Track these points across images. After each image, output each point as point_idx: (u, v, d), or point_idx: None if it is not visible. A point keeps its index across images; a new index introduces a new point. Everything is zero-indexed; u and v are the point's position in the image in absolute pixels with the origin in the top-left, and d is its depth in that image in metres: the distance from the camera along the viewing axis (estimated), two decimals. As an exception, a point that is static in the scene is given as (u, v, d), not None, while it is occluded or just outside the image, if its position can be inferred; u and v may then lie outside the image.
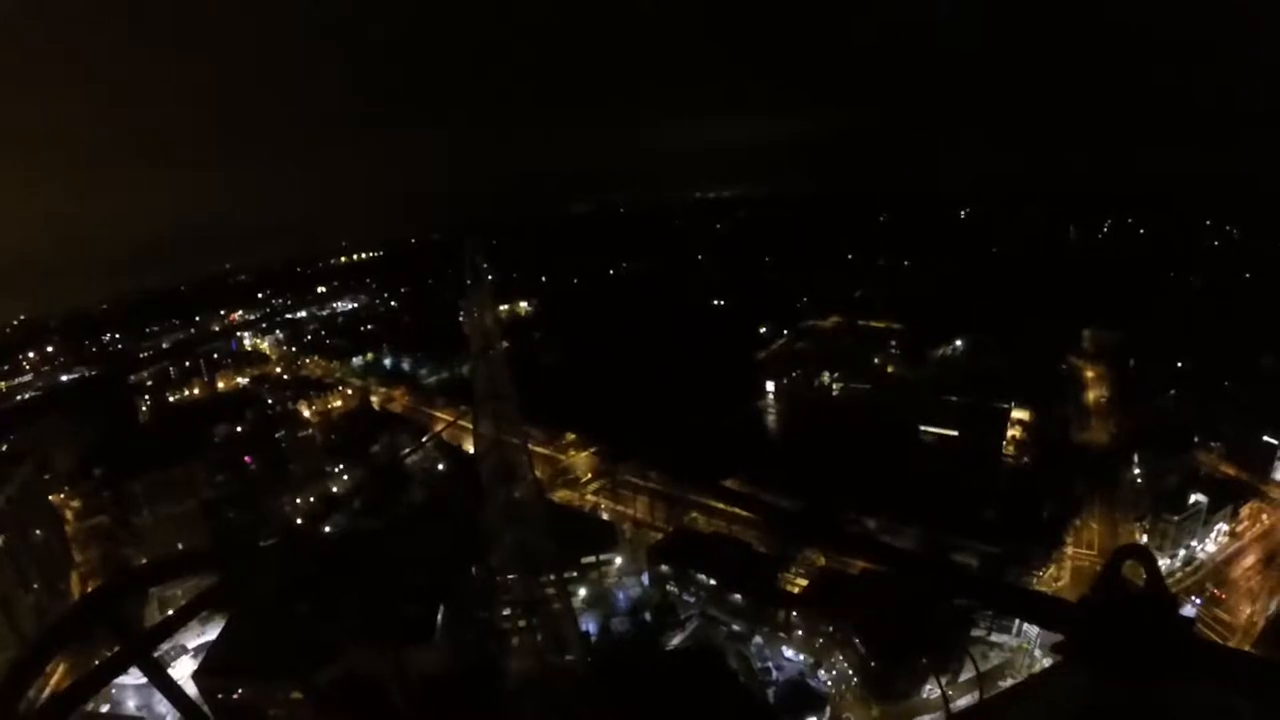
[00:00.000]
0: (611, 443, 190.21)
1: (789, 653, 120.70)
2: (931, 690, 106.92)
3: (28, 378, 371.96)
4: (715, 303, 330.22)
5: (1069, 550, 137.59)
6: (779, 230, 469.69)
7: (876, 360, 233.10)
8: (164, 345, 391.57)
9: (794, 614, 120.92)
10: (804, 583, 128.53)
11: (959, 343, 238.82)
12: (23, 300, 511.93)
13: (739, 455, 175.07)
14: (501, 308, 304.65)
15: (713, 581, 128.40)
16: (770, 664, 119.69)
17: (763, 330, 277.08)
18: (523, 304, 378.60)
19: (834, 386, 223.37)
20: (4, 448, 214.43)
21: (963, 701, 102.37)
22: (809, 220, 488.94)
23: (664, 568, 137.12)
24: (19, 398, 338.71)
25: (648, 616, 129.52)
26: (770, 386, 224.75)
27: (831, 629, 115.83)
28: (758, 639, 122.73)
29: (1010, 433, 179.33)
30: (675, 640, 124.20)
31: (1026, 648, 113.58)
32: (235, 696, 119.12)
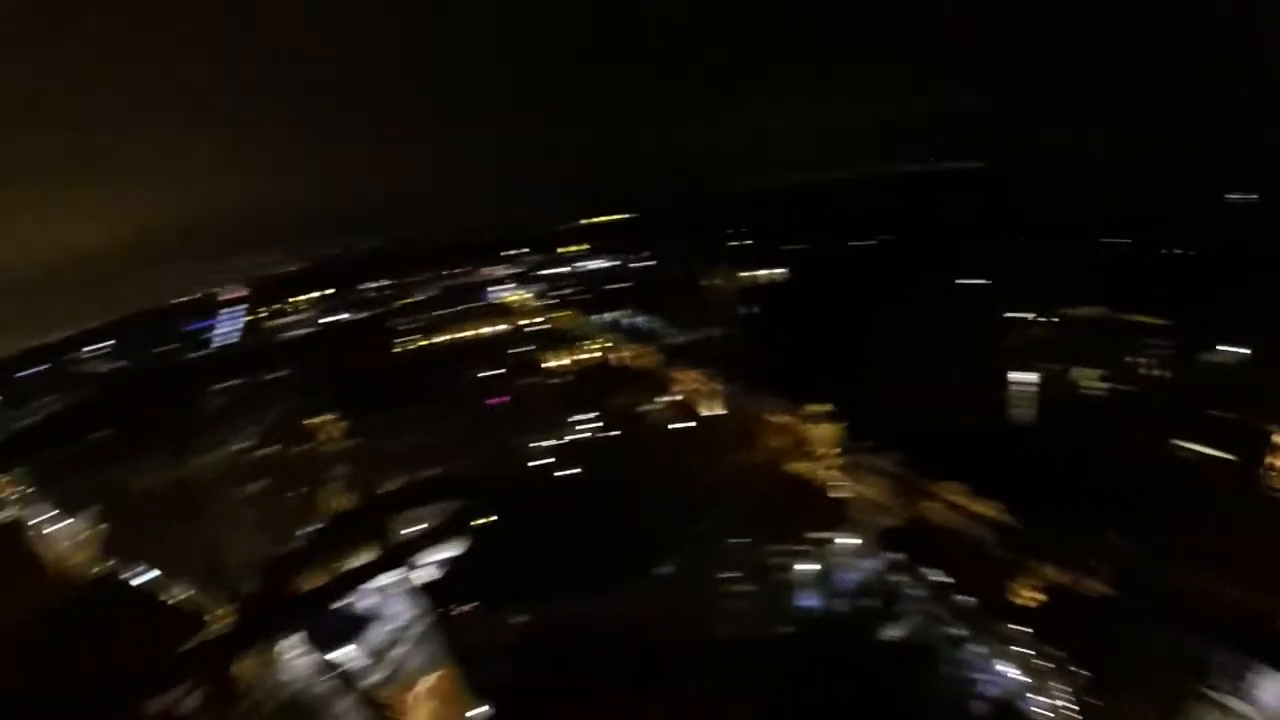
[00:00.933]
0: (853, 419, 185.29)
1: (1005, 668, 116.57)
2: None
3: (298, 316, 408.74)
4: (963, 282, 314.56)
5: None
6: (1032, 204, 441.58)
7: (1134, 359, 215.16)
8: (422, 293, 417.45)
9: (1018, 628, 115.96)
10: (1034, 595, 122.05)
11: (1230, 348, 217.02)
12: (292, 250, 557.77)
13: (982, 448, 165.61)
14: (746, 274, 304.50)
15: (940, 579, 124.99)
16: (983, 676, 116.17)
17: (1016, 315, 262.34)
18: (770, 271, 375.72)
19: (1086, 384, 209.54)
20: (270, 376, 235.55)
21: None
22: (1066, 195, 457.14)
23: (892, 556, 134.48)
24: (286, 334, 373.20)
25: (867, 603, 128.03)
26: (1017, 378, 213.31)
27: (1054, 651, 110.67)
28: (976, 647, 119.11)
29: (1271, 460, 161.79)
30: (891, 632, 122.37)
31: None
32: (463, 611, 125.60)
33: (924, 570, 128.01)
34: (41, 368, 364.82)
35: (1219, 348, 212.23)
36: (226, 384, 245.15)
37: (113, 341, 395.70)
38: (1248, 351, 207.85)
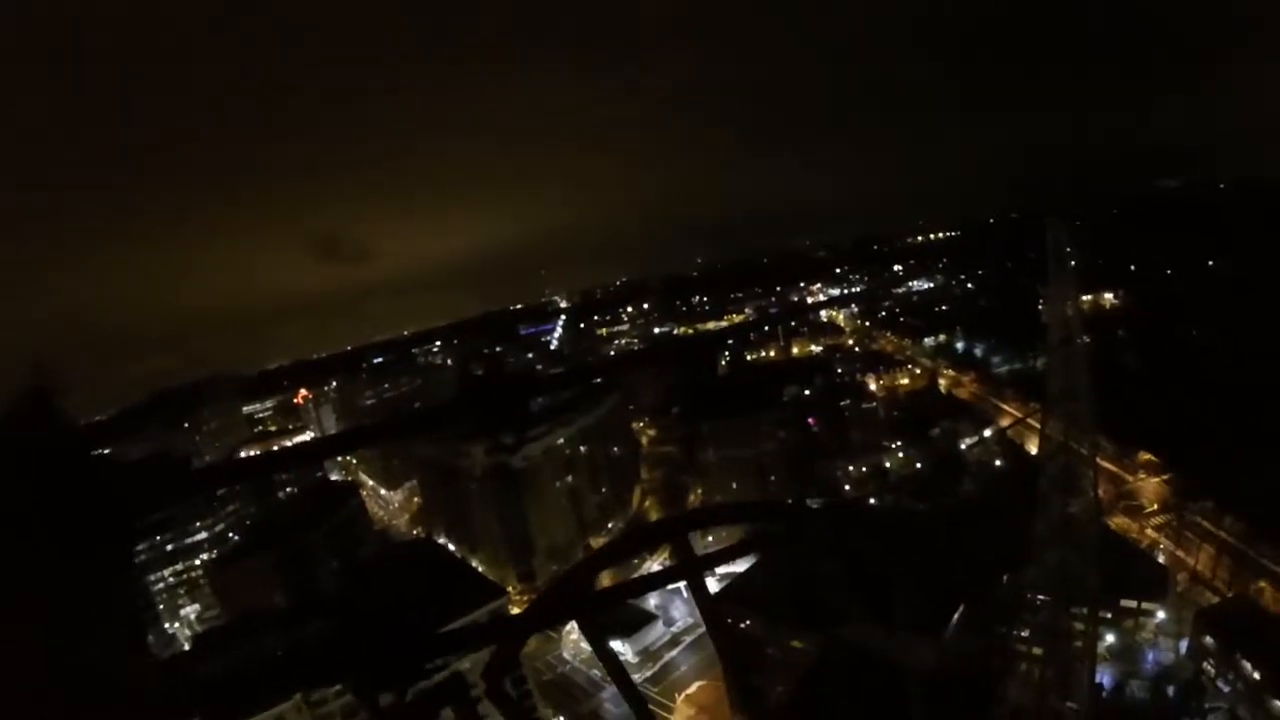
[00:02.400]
0: (1188, 473, 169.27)
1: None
2: None
3: (625, 327, 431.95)
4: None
5: None
6: None
7: None
8: (747, 311, 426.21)
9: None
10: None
11: None
12: (627, 265, 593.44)
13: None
14: (1084, 297, 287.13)
15: (1258, 675, 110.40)
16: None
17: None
18: (1108, 295, 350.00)
19: None
20: (600, 380, 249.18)
21: None
22: None
23: (1208, 639, 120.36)
24: (617, 343, 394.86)
25: (1170, 691, 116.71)
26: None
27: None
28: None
29: None
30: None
31: None
32: (744, 625, 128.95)
33: (1241, 661, 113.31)
34: (390, 356, 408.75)
35: None
36: (557, 385, 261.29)
37: (455, 340, 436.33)
38: None
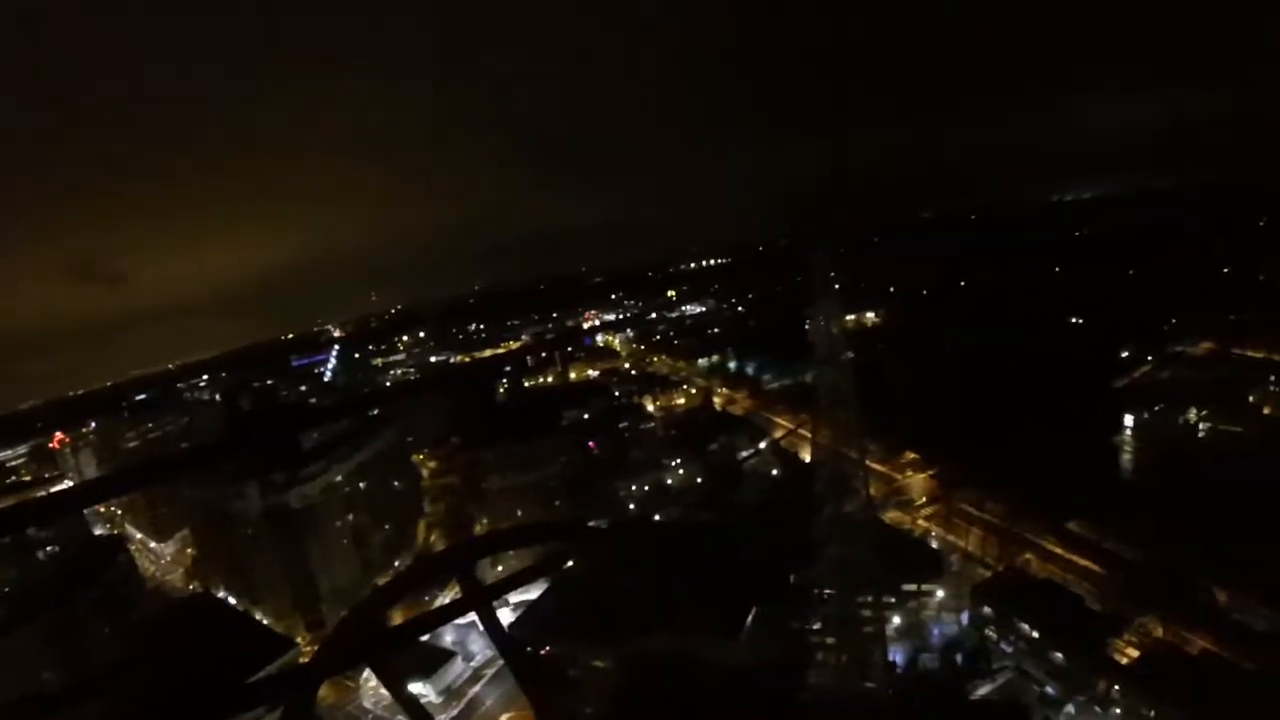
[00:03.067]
0: (951, 466, 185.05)
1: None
2: None
3: (401, 356, 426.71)
4: (1073, 320, 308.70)
5: None
6: (1144, 238, 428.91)
7: (1252, 398, 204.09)
8: (523, 336, 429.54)
9: (1116, 688, 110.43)
10: (1135, 653, 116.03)
11: None
12: (400, 290, 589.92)
13: (1087, 495, 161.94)
14: (848, 316, 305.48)
15: (1035, 633, 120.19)
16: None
17: (1124, 354, 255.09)
18: (869, 314, 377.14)
19: (1201, 426, 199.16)
20: (376, 411, 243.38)
21: None
22: (1178, 225, 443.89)
23: (986, 609, 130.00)
24: (393, 372, 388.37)
25: (959, 658, 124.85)
26: (1129, 420, 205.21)
27: (1155, 714, 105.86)
28: (1071, 708, 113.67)
29: None
30: (982, 690, 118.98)
31: None
32: (544, 652, 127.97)
33: (1019, 623, 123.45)
34: (154, 393, 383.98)
35: None
36: (332, 417, 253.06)
37: (223, 373, 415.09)
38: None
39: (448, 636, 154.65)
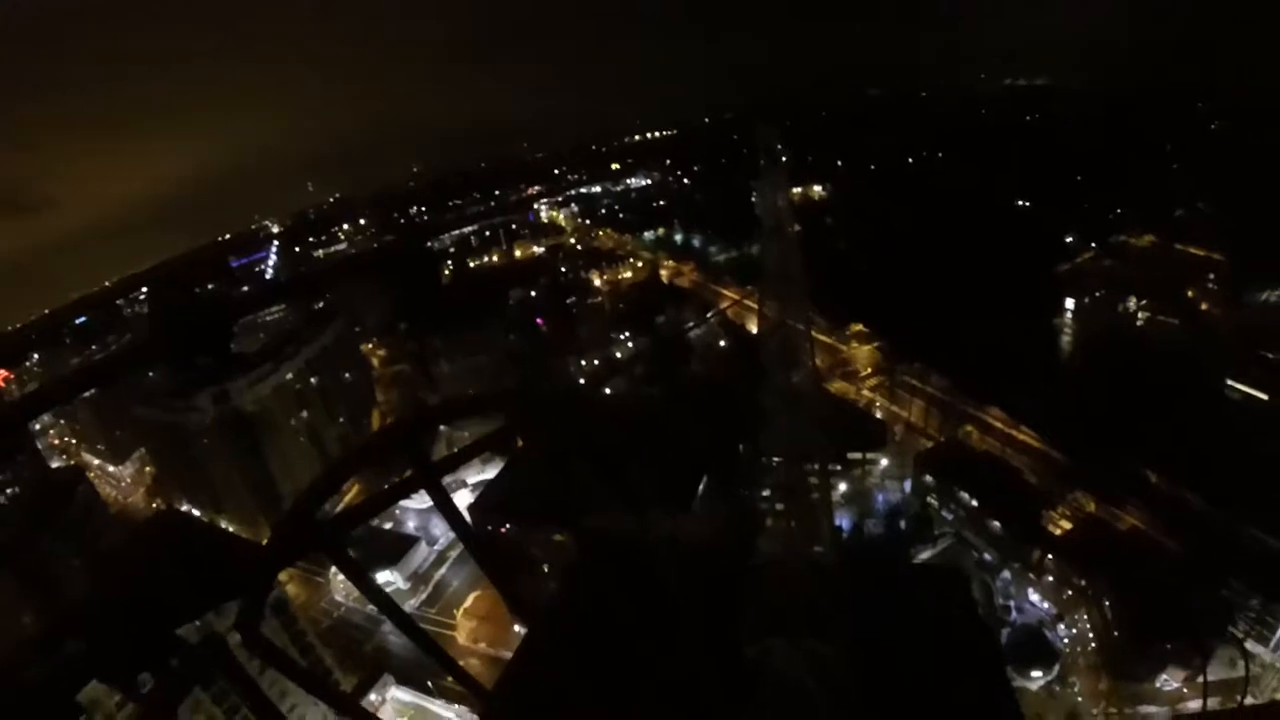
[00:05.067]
0: (896, 340, 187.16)
1: (1034, 597, 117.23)
2: (1167, 681, 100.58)
3: (343, 246, 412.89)
4: (1019, 203, 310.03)
5: None
6: (1096, 129, 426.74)
7: (1190, 294, 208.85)
8: (466, 216, 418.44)
9: (1049, 557, 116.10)
10: (1068, 526, 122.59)
11: None
12: (338, 181, 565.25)
13: (1026, 373, 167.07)
14: (795, 190, 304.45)
15: (974, 503, 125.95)
16: (1012, 604, 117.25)
17: (1069, 240, 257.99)
18: (817, 188, 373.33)
19: (1139, 316, 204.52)
20: (321, 304, 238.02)
21: (1195, 704, 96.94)
22: (1131, 120, 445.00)
23: (928, 478, 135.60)
24: (334, 263, 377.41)
25: (902, 524, 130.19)
26: (1069, 304, 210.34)
27: (1084, 584, 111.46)
28: (1006, 574, 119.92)
29: None
30: (924, 555, 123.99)
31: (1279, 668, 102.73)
32: (503, 530, 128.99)
33: (959, 492, 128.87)
34: (94, 315, 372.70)
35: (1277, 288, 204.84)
36: (275, 315, 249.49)
37: (159, 283, 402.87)
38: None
39: (410, 524, 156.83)
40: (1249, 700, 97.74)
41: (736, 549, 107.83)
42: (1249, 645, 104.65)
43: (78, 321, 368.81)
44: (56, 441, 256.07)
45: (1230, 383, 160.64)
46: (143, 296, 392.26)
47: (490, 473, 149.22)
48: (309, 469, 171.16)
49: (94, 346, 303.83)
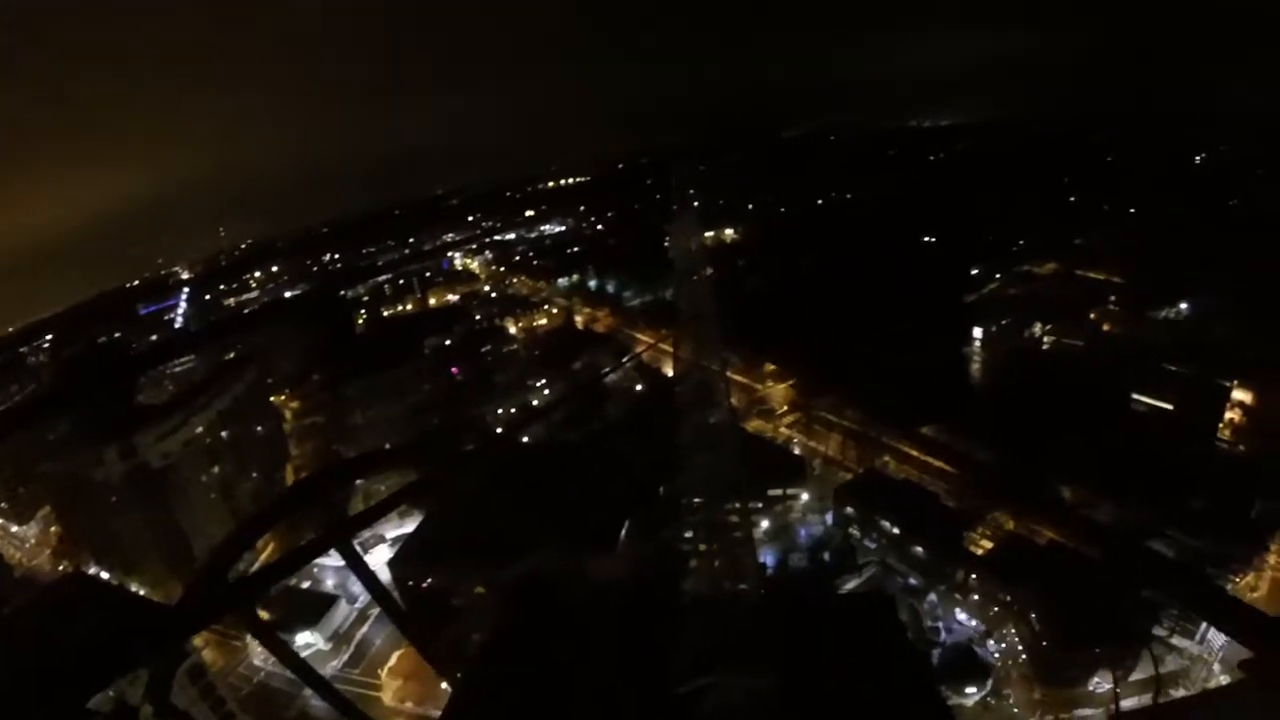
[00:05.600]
0: (810, 376, 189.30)
1: (962, 616, 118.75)
2: (1099, 684, 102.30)
3: (255, 294, 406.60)
4: (926, 239, 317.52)
5: (1273, 559, 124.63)
6: (998, 164, 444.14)
7: (1092, 315, 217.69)
8: (379, 263, 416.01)
9: (973, 576, 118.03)
10: (989, 545, 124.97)
11: (1184, 306, 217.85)
12: (251, 223, 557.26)
13: (939, 401, 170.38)
14: (707, 233, 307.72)
15: (896, 530, 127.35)
16: (941, 624, 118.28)
17: (975, 271, 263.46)
18: (729, 230, 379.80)
19: (1045, 339, 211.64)
20: (233, 354, 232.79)
21: (1129, 703, 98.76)
22: (1031, 154, 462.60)
23: (849, 510, 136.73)
24: (246, 311, 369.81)
25: (826, 556, 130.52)
26: (977, 333, 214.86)
27: (1009, 599, 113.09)
28: (932, 596, 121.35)
29: (1230, 415, 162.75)
30: (850, 585, 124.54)
31: (1207, 659, 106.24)
32: (424, 585, 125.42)
33: (881, 521, 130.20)
34: None
35: (1175, 305, 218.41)
36: (185, 365, 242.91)
37: (64, 330, 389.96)
38: (1200, 308, 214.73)
39: (329, 580, 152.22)
40: (1181, 692, 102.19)
41: (662, 590, 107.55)
42: (1176, 641, 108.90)
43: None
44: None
45: (1136, 396, 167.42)
46: (47, 343, 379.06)
47: (409, 526, 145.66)
48: (222, 527, 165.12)
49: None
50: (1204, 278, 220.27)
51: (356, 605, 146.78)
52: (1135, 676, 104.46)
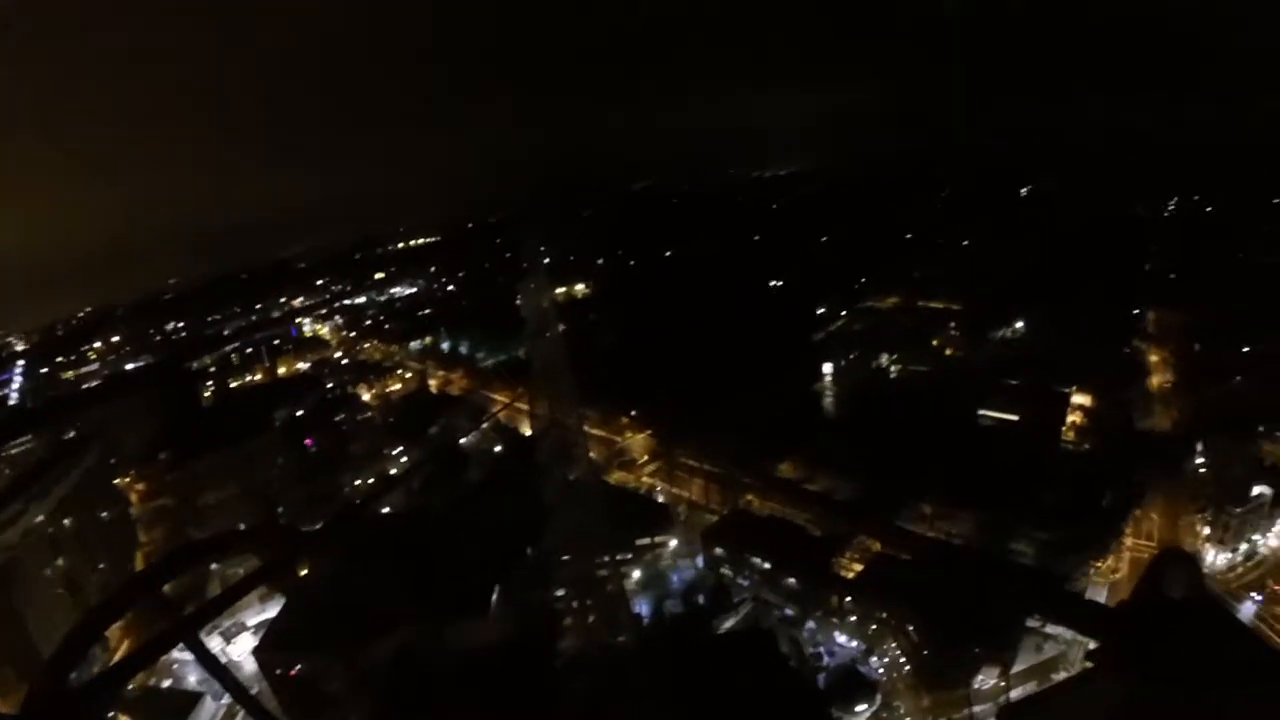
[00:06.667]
0: (668, 424, 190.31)
1: (841, 638, 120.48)
2: (984, 680, 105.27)
3: (94, 366, 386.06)
4: (772, 283, 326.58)
5: (1128, 541, 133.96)
6: (837, 208, 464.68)
7: (935, 342, 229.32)
8: (226, 332, 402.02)
9: (847, 599, 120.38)
10: (858, 567, 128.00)
11: (1019, 324, 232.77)
12: (90, 291, 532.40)
13: (796, 437, 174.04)
14: (558, 290, 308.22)
15: (766, 565, 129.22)
16: (822, 649, 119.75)
17: (820, 311, 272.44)
18: (579, 286, 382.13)
19: (892, 369, 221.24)
20: (72, 433, 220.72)
21: (1015, 693, 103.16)
22: (867, 197, 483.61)
23: (718, 550, 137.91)
24: (85, 386, 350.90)
25: (701, 599, 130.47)
26: (828, 368, 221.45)
27: (885, 615, 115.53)
28: (810, 624, 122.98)
29: (1071, 418, 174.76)
30: (728, 624, 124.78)
31: (1082, 641, 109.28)
32: (293, 672, 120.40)
33: (751, 558, 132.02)
34: None
35: (1010, 325, 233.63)
36: (22, 445, 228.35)
37: None
38: (1025, 327, 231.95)
39: (192, 676, 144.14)
40: (1060, 675, 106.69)
41: (539, 650, 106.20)
42: (1050, 629, 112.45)
43: None
44: None
45: (982, 411, 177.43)
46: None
47: (273, 610, 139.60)
48: (69, 623, 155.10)
49: None
50: (1034, 297, 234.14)
51: (223, 701, 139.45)
52: (1018, 667, 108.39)
